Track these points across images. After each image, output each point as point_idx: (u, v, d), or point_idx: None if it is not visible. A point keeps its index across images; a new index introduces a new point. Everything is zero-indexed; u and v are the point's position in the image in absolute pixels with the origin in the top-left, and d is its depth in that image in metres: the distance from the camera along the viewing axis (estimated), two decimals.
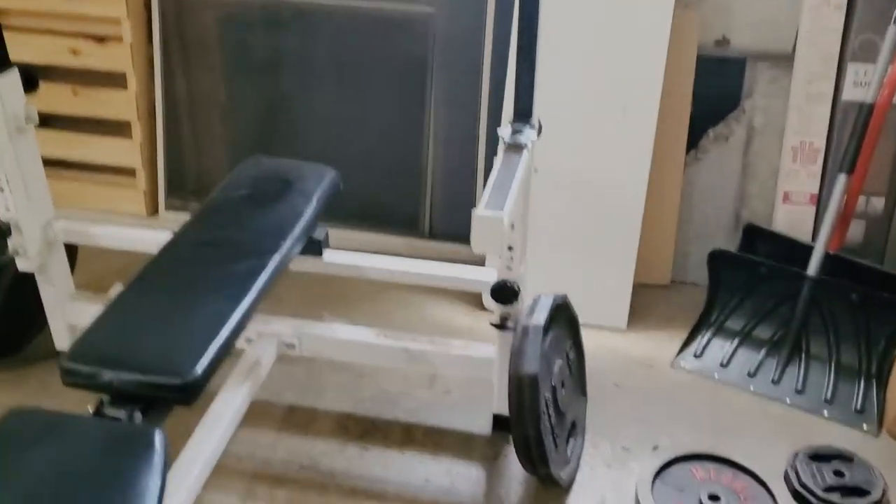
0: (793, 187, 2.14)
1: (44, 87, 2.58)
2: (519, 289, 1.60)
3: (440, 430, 1.88)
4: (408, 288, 2.31)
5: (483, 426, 1.87)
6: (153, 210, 2.66)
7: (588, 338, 2.12)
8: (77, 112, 2.59)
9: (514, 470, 1.75)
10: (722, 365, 2.05)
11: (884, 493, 1.67)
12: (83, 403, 1.24)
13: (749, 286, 2.08)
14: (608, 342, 2.17)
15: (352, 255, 1.80)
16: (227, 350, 1.33)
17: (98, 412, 1.23)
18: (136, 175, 2.63)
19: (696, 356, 2.08)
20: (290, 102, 2.53)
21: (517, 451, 1.60)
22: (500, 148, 1.47)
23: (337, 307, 2.25)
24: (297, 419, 1.91)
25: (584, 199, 2.12)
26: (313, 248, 1.74)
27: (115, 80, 2.54)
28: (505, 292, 1.59)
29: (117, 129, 2.60)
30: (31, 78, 1.77)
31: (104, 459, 1.13)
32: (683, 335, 2.16)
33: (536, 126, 1.54)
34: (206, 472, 1.49)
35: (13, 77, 1.72)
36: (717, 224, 2.31)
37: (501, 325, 1.64)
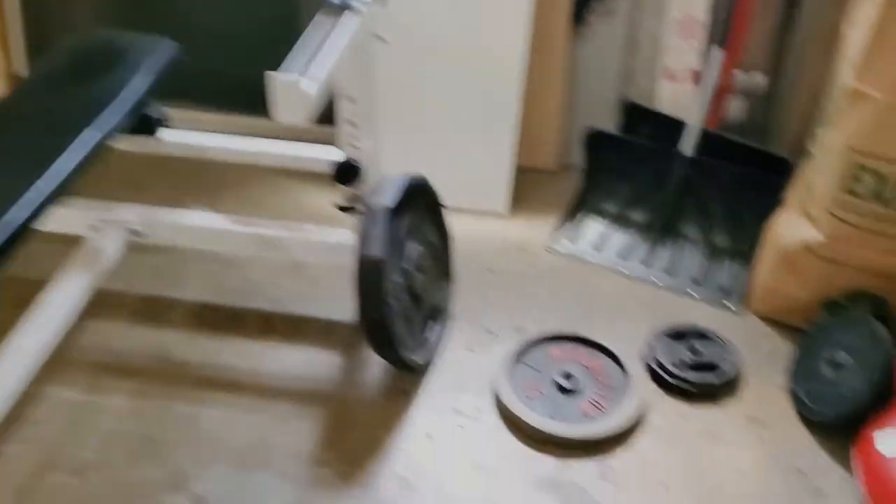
0: (674, 63, 2.05)
1: None
2: (362, 167, 1.51)
3: (302, 318, 1.83)
4: (283, 173, 2.21)
5: (346, 314, 1.82)
6: (7, 78, 2.46)
7: (466, 223, 2.08)
8: None
9: (375, 356, 1.71)
10: (596, 248, 2.01)
11: (738, 368, 1.68)
12: None
13: (626, 167, 2.03)
14: (487, 227, 2.11)
15: (188, 133, 1.68)
16: (24, 233, 1.23)
17: None
18: None
19: (570, 239, 2.04)
20: None
21: (364, 335, 1.55)
22: (322, 11, 1.34)
23: (204, 195, 2.14)
24: (151, 309, 1.83)
25: (459, 76, 2.01)
26: (147, 127, 1.63)
27: None
28: (347, 172, 1.51)
29: None
30: None
31: None
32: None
33: None
34: (32, 366, 1.41)
35: None
36: (605, 104, 2.23)
37: (348, 208, 1.56)
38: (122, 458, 1.50)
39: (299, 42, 1.25)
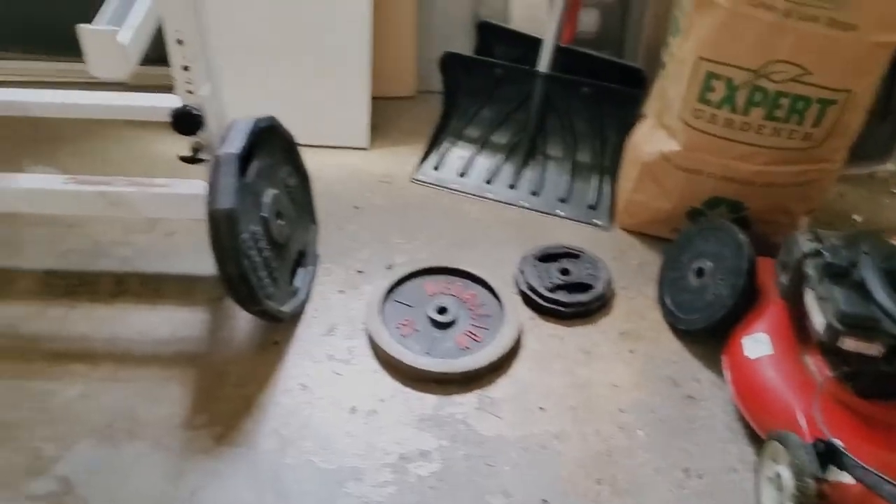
0: None
1: None
2: (202, 114, 1.40)
3: (159, 276, 1.72)
4: (125, 123, 2.05)
5: (209, 267, 1.72)
6: None
7: (327, 159, 2.00)
8: None
9: (240, 310, 1.64)
10: (461, 174, 1.98)
11: (608, 284, 1.70)
12: None
13: (485, 90, 1.99)
14: (348, 162, 2.04)
15: (9, 91, 1.52)
16: None
17: None
18: None
19: (434, 168, 2.00)
20: None
21: (225, 291, 1.47)
22: None
23: (41, 152, 1.97)
24: None
25: (306, 8, 1.89)
26: None
27: None
28: (186, 120, 1.40)
29: None
30: None
31: None
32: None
33: None
34: None
35: None
36: (460, 26, 2.16)
37: (192, 159, 1.46)
38: None
39: None
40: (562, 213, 1.89)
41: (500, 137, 2.01)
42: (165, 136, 2.03)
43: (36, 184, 1.61)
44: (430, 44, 2.17)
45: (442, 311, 1.61)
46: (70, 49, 2.10)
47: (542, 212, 1.90)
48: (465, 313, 1.62)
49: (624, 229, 1.87)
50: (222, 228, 1.40)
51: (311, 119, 1.94)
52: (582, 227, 1.88)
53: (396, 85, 2.17)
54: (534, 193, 1.93)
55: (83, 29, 1.03)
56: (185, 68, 1.37)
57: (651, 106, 1.78)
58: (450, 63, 1.97)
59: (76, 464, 1.37)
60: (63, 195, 1.59)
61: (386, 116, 2.13)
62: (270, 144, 1.58)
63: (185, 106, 1.39)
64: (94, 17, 1.19)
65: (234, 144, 1.43)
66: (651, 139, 1.73)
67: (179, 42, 1.33)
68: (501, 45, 2.04)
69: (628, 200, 1.82)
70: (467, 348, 1.55)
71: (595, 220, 1.88)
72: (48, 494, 1.32)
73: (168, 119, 1.45)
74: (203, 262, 1.72)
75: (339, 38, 1.93)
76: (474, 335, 1.58)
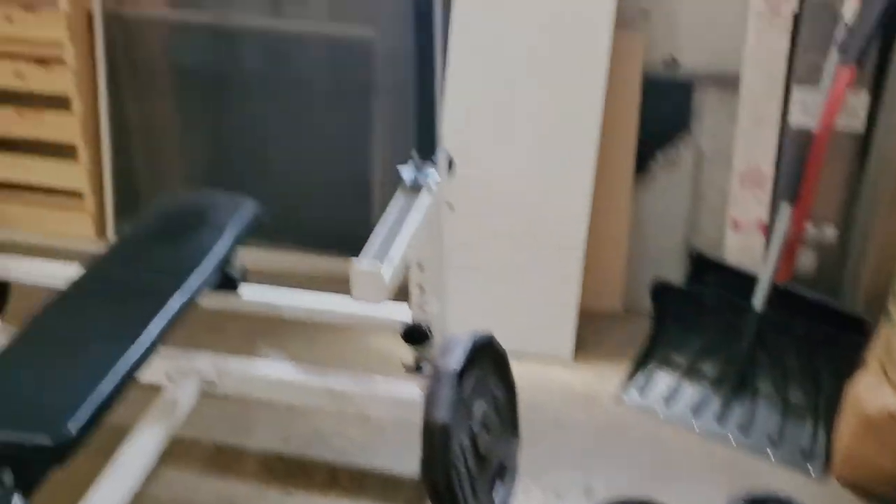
0: (741, 215, 2.05)
1: None
2: (431, 331, 1.53)
3: (367, 472, 1.82)
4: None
5: (413, 468, 1.81)
6: (101, 233, 2.61)
7: (531, 369, 2.07)
8: (23, 134, 2.55)
9: None
10: (666, 401, 1.97)
11: None
12: None
13: (695, 318, 2.01)
14: (552, 374, 2.09)
15: (268, 290, 1.74)
16: (111, 403, 1.27)
17: None
18: (84, 198, 2.59)
19: (639, 391, 2.00)
20: (239, 124, 2.48)
21: (429, 498, 1.53)
22: (400, 188, 1.40)
23: (277, 336, 2.19)
24: (223, 459, 1.85)
25: (524, 224, 2.05)
26: (228, 283, 1.69)
27: (60, 102, 2.50)
28: (416, 334, 1.53)
29: (64, 151, 2.56)
30: None
31: None
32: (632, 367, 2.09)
33: (445, 163, 1.47)
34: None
35: None
36: (670, 250, 2.23)
37: (415, 368, 1.58)
38: None
39: (378, 224, 1.30)
40: (772, 456, 1.82)
41: (708, 367, 2.00)
42: (387, 333, 2.23)
43: (270, 372, 1.79)
44: (639, 264, 2.25)
45: None
46: (317, 245, 2.42)
47: (750, 450, 1.84)
48: None
49: (840, 482, 1.76)
50: (436, 440, 1.48)
51: (519, 327, 2.03)
52: (794, 473, 1.79)
53: (604, 301, 2.24)
54: (742, 430, 1.87)
55: (354, 265, 1.19)
56: (421, 289, 1.52)
57: (874, 355, 1.72)
58: (660, 291, 2.03)
59: None
60: (294, 386, 1.76)
61: (591, 331, 2.19)
62: (484, 358, 1.67)
63: (416, 322, 1.53)
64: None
65: (454, 360, 1.54)
66: (876, 393, 1.65)
67: (420, 267, 1.49)
68: (714, 275, 2.07)
69: (846, 453, 1.72)
70: None
71: (809, 468, 1.78)
72: None
73: (399, 330, 1.60)
74: (409, 462, 1.80)
75: (555, 254, 2.05)
76: None
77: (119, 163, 2.56)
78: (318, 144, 2.43)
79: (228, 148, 2.52)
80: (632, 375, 2.04)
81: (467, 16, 1.97)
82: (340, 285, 1.59)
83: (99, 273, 1.57)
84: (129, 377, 1.32)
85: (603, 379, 2.08)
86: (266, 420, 1.95)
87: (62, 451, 1.17)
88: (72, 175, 2.57)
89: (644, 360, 2.06)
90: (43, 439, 1.17)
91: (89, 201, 2.58)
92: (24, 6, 2.40)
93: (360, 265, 1.19)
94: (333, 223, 2.46)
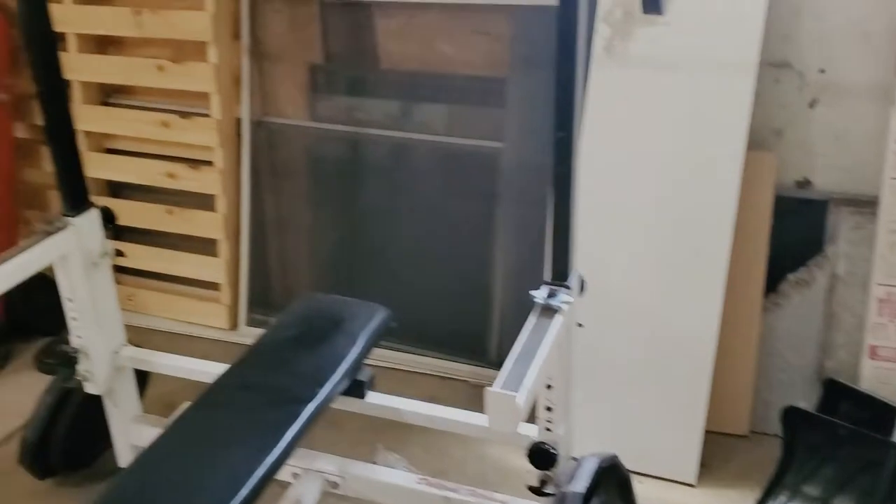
0: (879, 342, 1.97)
1: (142, 205, 2.80)
2: (557, 452, 1.53)
3: None
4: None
5: None
6: (233, 324, 2.75)
7: (653, 491, 2.02)
8: (171, 229, 2.75)
9: None
10: None
11: None
12: None
13: (828, 448, 1.91)
14: (673, 497, 2.03)
15: (393, 398, 1.79)
16: (256, 496, 1.33)
17: None
18: (220, 290, 2.74)
19: None
20: (368, 226, 2.60)
21: None
22: (533, 311, 1.43)
23: (394, 436, 2.22)
24: None
25: (651, 343, 2.03)
26: (356, 389, 1.74)
27: (206, 201, 2.69)
28: (542, 456, 1.53)
29: (206, 246, 2.74)
30: (110, 215, 1.89)
31: None
32: (759, 493, 2.00)
33: (576, 286, 1.49)
34: None
35: (92, 217, 1.84)
36: (800, 374, 2.16)
37: (540, 490, 1.57)
38: None
39: (514, 348, 1.33)
40: None
41: (842, 501, 1.90)
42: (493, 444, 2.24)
43: (391, 478, 1.82)
44: (768, 386, 2.18)
45: None
46: (436, 347, 2.48)
47: None
48: None
49: None
50: None
51: (642, 447, 2.00)
52: None
53: (730, 423, 2.18)
54: None
55: (489, 392, 1.22)
56: (549, 409, 1.53)
57: None
58: (792, 417, 1.95)
59: None
60: (414, 494, 1.78)
61: (716, 454, 2.12)
62: (609, 481, 1.65)
63: (542, 443, 1.53)
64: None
65: (581, 483, 1.53)
66: None
67: (548, 387, 1.50)
68: (848, 403, 1.98)
69: None
70: None
71: None
72: None
73: (524, 449, 1.60)
74: None
75: (681, 374, 2.01)
76: None
77: (254, 258, 2.72)
78: (441, 249, 2.51)
79: (356, 248, 2.63)
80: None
81: (597, 136, 2.02)
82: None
83: (241, 373, 1.65)
84: (265, 481, 1.37)
85: None
86: None
87: None
88: (212, 268, 2.73)
89: (773, 490, 1.97)
90: None
91: (225, 293, 2.73)
92: (181, 114, 2.62)
93: (499, 393, 1.22)
94: (453, 327, 2.51)
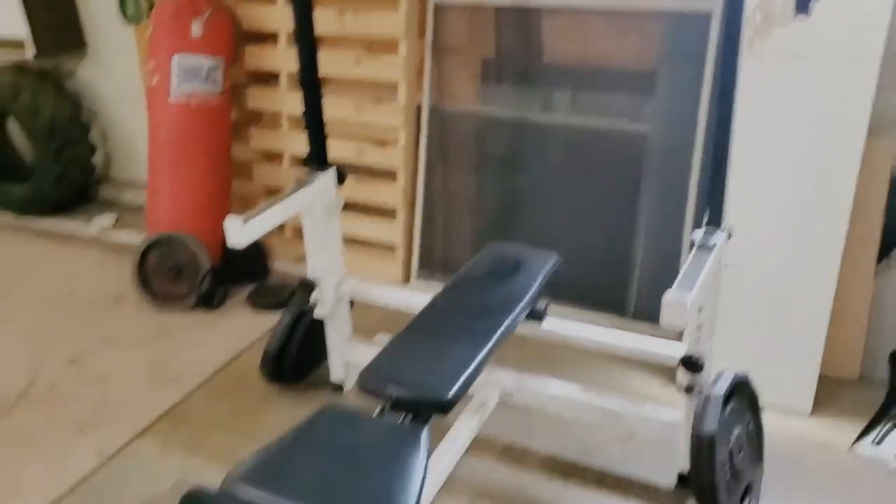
0: None
1: None
2: (704, 362, 1.94)
3: (630, 480, 2.22)
4: (613, 360, 2.69)
5: (668, 481, 2.19)
6: (406, 279, 3.26)
7: (772, 417, 2.40)
8: (357, 199, 3.27)
9: None
10: None
11: None
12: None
13: None
14: (791, 423, 2.41)
15: (565, 322, 2.23)
16: (472, 381, 1.80)
17: (381, 414, 1.74)
18: (396, 251, 3.25)
19: (874, 443, 2.27)
20: (523, 198, 3.05)
21: (695, 499, 1.92)
22: (693, 248, 1.85)
23: (550, 369, 2.67)
24: (512, 454, 2.33)
25: (779, 292, 2.40)
26: (536, 315, 2.19)
27: (388, 174, 3.20)
28: (692, 364, 1.95)
29: (386, 213, 3.25)
30: (341, 174, 2.41)
31: (389, 446, 1.61)
32: (866, 424, 2.35)
33: (727, 231, 1.90)
34: (446, 473, 1.98)
35: (331, 173, 2.36)
36: None
37: (688, 391, 1.99)
38: None
39: (683, 269, 1.75)
40: None
41: None
42: (640, 374, 2.65)
43: (558, 390, 2.27)
44: (878, 339, 2.52)
45: None
46: (582, 302, 2.91)
47: None
48: None
49: None
50: (705, 448, 1.87)
51: (764, 379, 2.35)
52: None
53: (842, 367, 2.53)
54: None
55: (667, 296, 1.64)
56: (699, 328, 1.94)
57: None
58: None
59: None
60: (577, 403, 2.21)
61: (829, 394, 2.48)
62: (743, 393, 2.05)
63: (693, 354, 1.94)
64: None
65: (721, 387, 1.94)
66: None
67: (700, 310, 1.92)
68: None
69: None
70: None
71: None
72: None
73: (671, 362, 2.03)
74: (664, 477, 2.20)
75: (803, 322, 2.37)
76: None
77: (425, 224, 3.21)
78: (590, 219, 2.94)
79: (512, 218, 3.09)
80: (866, 431, 2.31)
81: (741, 121, 2.39)
82: None
83: (448, 298, 2.12)
84: (481, 365, 1.84)
85: (837, 433, 2.36)
86: (545, 430, 2.42)
87: (446, 406, 1.71)
88: (389, 232, 3.24)
89: (879, 417, 2.32)
90: (434, 398, 1.71)
91: (400, 252, 3.24)
92: (374, 99, 3.13)
93: (672, 295, 1.64)
94: (597, 284, 2.94)
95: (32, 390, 2.68)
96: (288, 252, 3.48)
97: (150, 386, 2.69)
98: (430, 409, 1.71)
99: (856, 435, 2.33)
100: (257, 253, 3.36)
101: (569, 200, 2.97)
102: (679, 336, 2.19)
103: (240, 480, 1.47)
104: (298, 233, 3.45)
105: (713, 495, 1.88)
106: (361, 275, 3.30)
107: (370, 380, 1.78)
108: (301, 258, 3.41)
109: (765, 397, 2.20)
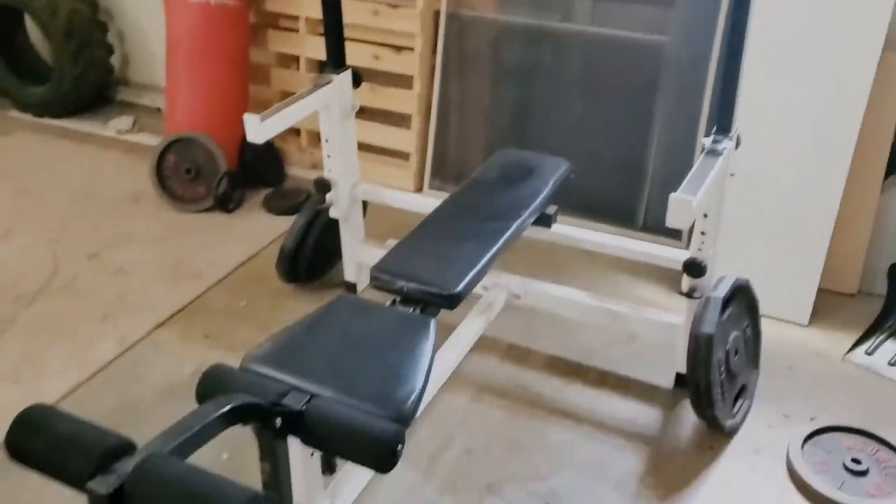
0: None
1: None
2: (706, 266, 2.00)
3: (629, 379, 2.32)
4: (617, 267, 2.76)
5: (667, 382, 2.28)
6: (419, 187, 3.31)
7: (770, 326, 2.47)
8: (372, 105, 3.29)
9: (687, 418, 2.15)
10: (891, 364, 2.30)
11: None
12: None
13: None
14: (788, 332, 2.48)
15: (573, 228, 2.29)
16: (479, 279, 1.87)
17: (392, 306, 1.82)
18: (409, 158, 3.29)
19: (867, 353, 2.35)
20: (538, 107, 3.07)
21: (690, 395, 2.01)
22: (702, 153, 1.89)
23: (555, 275, 2.74)
24: (515, 353, 2.43)
25: (782, 203, 2.44)
26: (545, 220, 2.24)
27: (404, 81, 3.21)
28: (695, 267, 2.01)
29: (400, 120, 3.28)
30: (357, 77, 2.43)
31: (398, 333, 1.70)
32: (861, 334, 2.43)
33: (735, 139, 1.93)
34: (451, 368, 2.07)
35: (347, 75, 2.39)
36: None
37: (689, 294, 2.06)
38: (499, 451, 2.07)
39: (691, 173, 1.79)
40: None
41: None
42: (643, 281, 2.72)
43: (563, 293, 2.34)
44: (878, 253, 2.57)
45: (856, 461, 1.95)
46: (592, 214, 2.96)
47: None
48: (878, 469, 1.94)
49: None
50: (702, 347, 1.95)
51: (765, 289, 2.40)
52: None
53: (842, 283, 2.59)
54: None
55: (673, 196, 1.69)
56: (703, 233, 2.00)
57: None
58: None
59: (562, 483, 1.97)
60: (581, 305, 2.29)
61: (828, 306, 2.54)
62: (742, 297, 2.12)
63: (696, 258, 2.00)
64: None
65: (721, 291, 2.01)
66: None
67: (705, 216, 1.97)
68: None
69: None
70: (877, 496, 1.87)
71: None
72: (538, 495, 1.94)
73: (675, 266, 2.09)
74: (663, 377, 2.29)
75: (805, 233, 2.42)
76: (884, 489, 1.89)
77: (439, 132, 3.24)
78: (603, 129, 2.96)
79: (525, 127, 3.11)
80: (861, 341, 2.39)
81: (759, 36, 2.38)
82: None
83: (457, 201, 2.18)
84: (489, 264, 1.91)
85: (833, 342, 2.44)
86: (548, 331, 2.50)
87: (454, 300, 1.78)
88: (404, 139, 3.28)
89: (874, 329, 2.39)
90: (442, 291, 1.78)
91: (413, 160, 3.28)
92: (390, 4, 3.13)
93: (678, 195, 1.69)
94: (608, 196, 2.98)
95: (54, 282, 2.78)
96: (303, 159, 3.52)
97: (169, 281, 2.78)
98: (438, 302, 1.79)
99: (850, 345, 2.40)
100: (273, 158, 3.41)
101: (584, 110, 2.99)
102: (685, 246, 2.25)
103: (258, 359, 1.56)
104: (314, 140, 3.50)
105: (708, 393, 1.96)
106: (376, 181, 3.35)
107: (382, 274, 1.85)
108: (316, 165, 3.46)
109: (764, 307, 2.27)
